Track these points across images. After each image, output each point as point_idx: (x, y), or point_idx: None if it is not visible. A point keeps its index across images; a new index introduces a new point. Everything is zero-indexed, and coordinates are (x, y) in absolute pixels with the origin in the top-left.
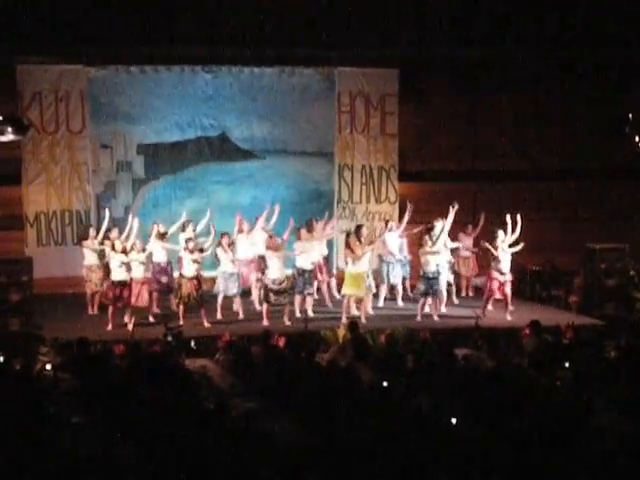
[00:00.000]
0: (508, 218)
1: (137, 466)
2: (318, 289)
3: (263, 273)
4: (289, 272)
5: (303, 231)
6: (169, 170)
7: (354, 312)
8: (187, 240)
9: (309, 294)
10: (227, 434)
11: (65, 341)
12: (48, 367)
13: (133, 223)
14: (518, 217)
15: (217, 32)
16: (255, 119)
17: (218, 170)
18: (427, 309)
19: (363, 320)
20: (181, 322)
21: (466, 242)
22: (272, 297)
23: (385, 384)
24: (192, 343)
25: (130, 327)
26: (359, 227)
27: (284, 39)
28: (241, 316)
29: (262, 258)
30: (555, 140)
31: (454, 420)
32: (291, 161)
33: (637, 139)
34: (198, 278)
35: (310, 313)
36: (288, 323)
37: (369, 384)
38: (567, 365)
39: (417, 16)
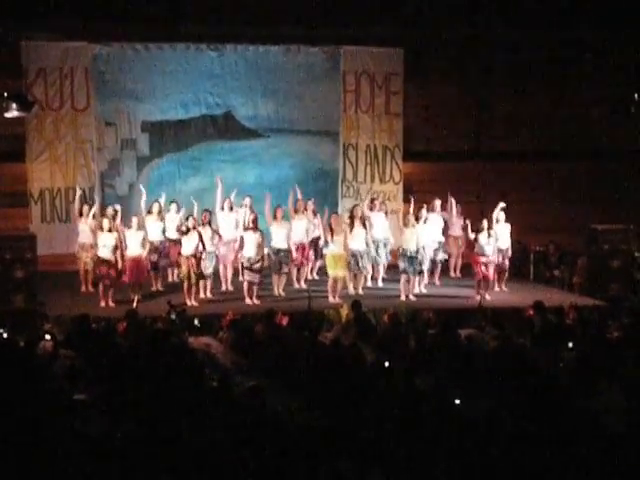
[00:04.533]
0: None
1: (140, 444)
2: (299, 269)
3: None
4: (265, 251)
5: (278, 210)
6: (174, 148)
7: (351, 291)
8: (186, 219)
9: (284, 273)
10: (230, 412)
11: (69, 318)
12: (47, 337)
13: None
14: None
15: (223, 10)
16: (260, 98)
17: (223, 149)
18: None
19: (330, 299)
20: (187, 301)
21: (454, 221)
22: (246, 274)
23: (387, 364)
24: (196, 321)
25: (134, 305)
26: (353, 206)
27: (290, 18)
28: (209, 295)
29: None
30: (560, 120)
31: (457, 401)
32: (296, 140)
33: None
34: (196, 256)
35: (281, 292)
36: (249, 302)
37: (372, 363)
38: (570, 346)
39: None
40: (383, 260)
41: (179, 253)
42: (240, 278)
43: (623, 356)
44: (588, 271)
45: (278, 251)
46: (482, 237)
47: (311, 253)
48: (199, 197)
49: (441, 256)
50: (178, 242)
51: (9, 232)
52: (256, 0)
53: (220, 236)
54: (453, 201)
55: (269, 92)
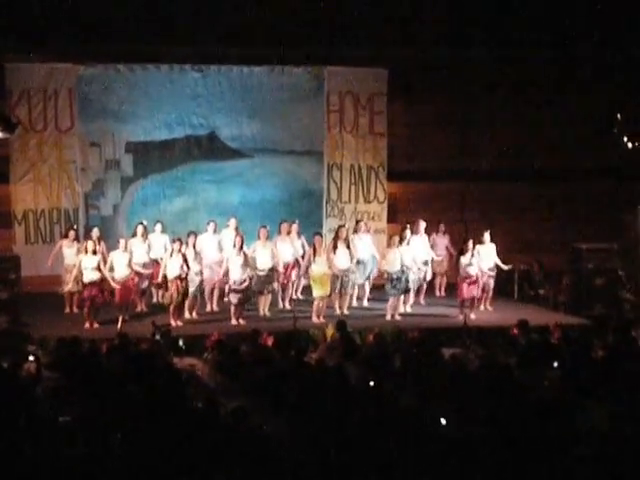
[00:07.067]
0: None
1: (125, 465)
2: (284, 289)
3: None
4: (250, 273)
5: (262, 231)
6: (158, 169)
7: (336, 311)
8: (173, 241)
9: (269, 292)
10: (215, 433)
11: (53, 339)
12: (30, 358)
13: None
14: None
15: (206, 31)
16: (244, 118)
17: (207, 169)
18: (402, 308)
19: (314, 319)
20: (172, 322)
21: (438, 241)
22: (233, 297)
23: (372, 383)
24: (180, 342)
25: (119, 326)
26: (338, 228)
27: (274, 38)
28: (195, 316)
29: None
30: (543, 140)
31: (443, 421)
32: (280, 160)
33: (625, 139)
34: (181, 276)
35: (266, 312)
36: (235, 323)
37: (357, 383)
38: (555, 365)
39: (407, 16)
40: (367, 280)
41: (164, 276)
42: (226, 299)
43: (608, 375)
44: (572, 290)
45: (262, 271)
46: (464, 258)
47: (294, 273)
48: (183, 217)
49: (428, 275)
50: (160, 262)
51: None
52: (240, 21)
53: (201, 260)
54: (422, 225)
55: (253, 112)
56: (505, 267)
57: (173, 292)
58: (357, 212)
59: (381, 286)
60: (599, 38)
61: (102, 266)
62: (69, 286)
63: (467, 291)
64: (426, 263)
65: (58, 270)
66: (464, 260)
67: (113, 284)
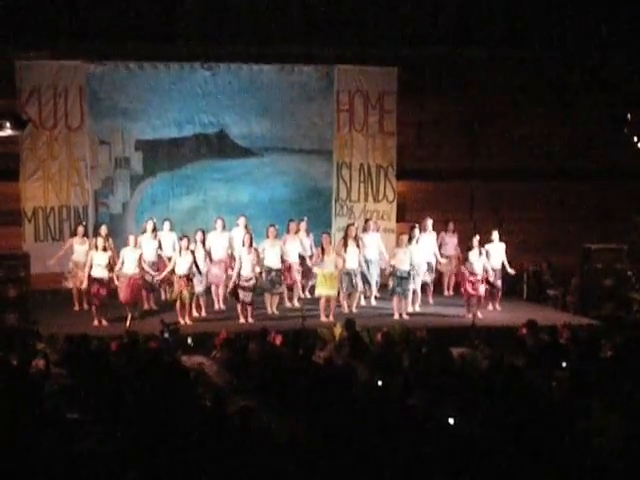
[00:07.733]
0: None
1: (132, 463)
2: (291, 288)
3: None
4: (258, 271)
5: (271, 230)
6: (167, 167)
7: (345, 310)
8: (180, 239)
9: (277, 293)
10: (224, 431)
11: (62, 337)
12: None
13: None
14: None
15: (216, 29)
16: (254, 116)
17: (216, 167)
18: (410, 308)
19: (323, 318)
20: (180, 320)
21: (447, 240)
22: (240, 293)
23: (380, 382)
24: (189, 340)
25: (127, 324)
26: (347, 226)
27: (283, 36)
28: (203, 314)
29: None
30: (553, 140)
31: (451, 420)
32: (289, 159)
33: (635, 139)
34: (189, 276)
35: (275, 311)
36: (243, 321)
37: (365, 382)
38: (564, 365)
39: (417, 15)
40: (376, 279)
41: (172, 272)
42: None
43: (616, 375)
44: (581, 290)
45: (270, 270)
46: (472, 255)
47: (301, 272)
48: (192, 216)
49: (430, 277)
50: (169, 260)
51: (2, 251)
52: (249, 19)
53: (211, 258)
54: (429, 222)
55: (263, 111)
56: (511, 271)
57: (182, 288)
58: (366, 211)
59: (387, 285)
60: (609, 38)
61: (112, 263)
62: (84, 284)
63: (471, 288)
64: (430, 264)
65: (64, 268)
66: (471, 256)
67: (117, 282)
